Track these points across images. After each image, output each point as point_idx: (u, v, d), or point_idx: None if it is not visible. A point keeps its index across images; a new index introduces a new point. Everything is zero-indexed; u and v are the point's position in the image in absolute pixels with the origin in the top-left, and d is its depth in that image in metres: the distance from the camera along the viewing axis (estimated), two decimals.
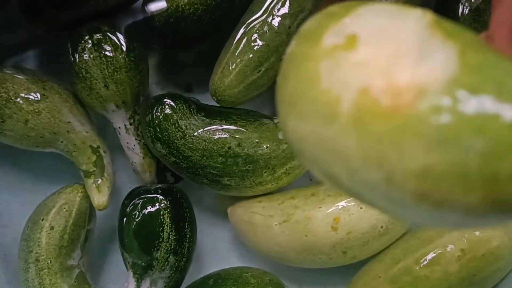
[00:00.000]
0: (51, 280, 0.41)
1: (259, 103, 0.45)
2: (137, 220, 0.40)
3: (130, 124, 0.43)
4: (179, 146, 0.41)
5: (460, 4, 0.44)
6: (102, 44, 0.42)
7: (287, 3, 0.41)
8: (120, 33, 0.43)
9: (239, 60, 0.41)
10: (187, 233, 0.41)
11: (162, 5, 0.42)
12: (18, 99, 0.41)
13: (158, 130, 0.41)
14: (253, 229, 0.43)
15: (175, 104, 0.41)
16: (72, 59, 0.42)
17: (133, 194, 0.42)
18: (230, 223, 0.45)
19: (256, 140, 0.41)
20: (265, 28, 0.41)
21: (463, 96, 0.14)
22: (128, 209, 0.41)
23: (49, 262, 0.41)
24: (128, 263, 0.40)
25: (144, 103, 0.43)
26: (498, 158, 0.13)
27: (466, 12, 0.43)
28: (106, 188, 0.41)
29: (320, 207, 0.40)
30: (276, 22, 0.41)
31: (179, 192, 0.42)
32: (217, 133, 0.41)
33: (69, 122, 0.42)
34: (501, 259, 0.39)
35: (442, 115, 0.14)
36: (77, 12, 0.43)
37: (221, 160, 0.41)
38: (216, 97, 0.43)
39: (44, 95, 0.42)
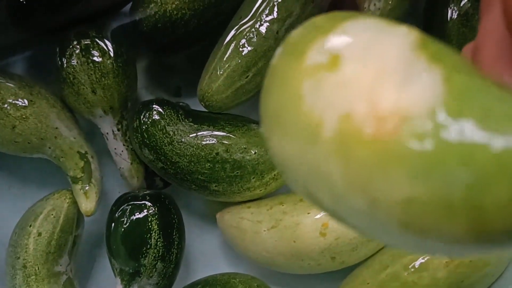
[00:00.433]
0: (38, 286, 0.40)
1: (247, 108, 0.45)
2: (125, 226, 0.40)
3: (118, 129, 0.43)
4: (167, 152, 0.41)
5: (448, 8, 0.44)
6: (90, 50, 0.41)
7: (275, 9, 0.41)
8: (108, 38, 0.43)
9: (227, 65, 0.41)
10: (175, 239, 0.41)
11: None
12: (5, 105, 0.41)
13: (146, 136, 0.41)
14: (242, 234, 0.42)
15: (162, 110, 0.41)
16: (60, 64, 0.42)
17: (121, 200, 0.41)
18: (219, 228, 0.45)
19: (244, 146, 0.41)
20: (253, 33, 0.41)
21: (447, 124, 0.13)
22: (116, 215, 0.40)
23: (36, 268, 0.41)
24: (116, 269, 0.40)
25: (132, 109, 0.43)
26: (483, 190, 0.13)
27: (455, 17, 0.43)
28: (93, 194, 0.41)
29: (308, 213, 0.40)
30: (264, 27, 0.41)
31: (167, 198, 0.42)
32: (205, 139, 0.41)
33: (56, 127, 0.42)
34: (488, 265, 0.39)
35: (426, 143, 0.13)
36: (65, 16, 0.43)
37: (209, 166, 0.41)
38: (204, 102, 0.42)
39: (31, 100, 0.41)
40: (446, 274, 0.38)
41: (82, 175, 0.42)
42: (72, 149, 0.42)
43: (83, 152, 0.43)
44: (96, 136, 0.46)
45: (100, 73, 0.41)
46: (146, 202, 0.40)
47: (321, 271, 0.42)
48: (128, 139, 0.43)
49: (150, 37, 0.43)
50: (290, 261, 0.41)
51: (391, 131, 0.14)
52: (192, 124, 0.41)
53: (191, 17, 0.42)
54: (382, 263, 0.40)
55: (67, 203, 0.41)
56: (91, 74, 0.41)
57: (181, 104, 0.44)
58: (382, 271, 0.40)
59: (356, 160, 0.14)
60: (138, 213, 0.40)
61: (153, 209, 0.40)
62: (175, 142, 0.41)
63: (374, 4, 0.43)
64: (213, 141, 0.41)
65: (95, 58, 0.41)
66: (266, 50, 0.41)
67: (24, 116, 0.41)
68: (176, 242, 0.41)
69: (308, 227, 0.40)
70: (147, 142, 0.41)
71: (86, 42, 0.42)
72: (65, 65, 0.41)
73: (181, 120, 0.41)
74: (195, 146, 0.41)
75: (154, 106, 0.41)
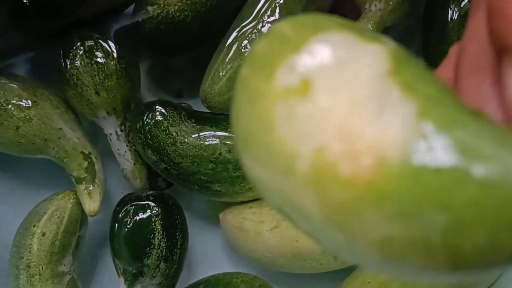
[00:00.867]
0: (42, 286, 0.41)
1: None
2: (128, 226, 0.40)
3: (121, 130, 0.44)
4: (170, 152, 0.41)
5: (449, 9, 0.44)
6: (94, 51, 0.42)
7: (277, 10, 0.42)
8: (111, 40, 0.43)
9: (229, 66, 0.42)
10: (178, 240, 0.41)
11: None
12: (9, 106, 0.41)
13: (149, 136, 0.41)
14: (244, 235, 0.43)
15: (165, 111, 0.41)
16: (63, 65, 0.42)
17: (125, 200, 0.42)
18: (221, 228, 0.45)
19: None
20: (255, 35, 0.41)
21: (423, 163, 0.13)
22: (119, 216, 0.41)
23: (40, 268, 0.41)
24: (119, 269, 0.41)
25: (135, 110, 0.44)
26: (461, 234, 0.13)
27: (455, 18, 0.44)
28: (97, 194, 0.42)
29: None
30: (266, 28, 0.41)
31: (170, 199, 0.42)
32: (207, 140, 0.41)
33: (60, 128, 0.42)
34: None
35: (402, 184, 0.13)
36: (68, 19, 0.43)
37: (212, 166, 0.41)
38: (206, 103, 0.43)
39: (35, 101, 0.42)
40: None
41: (86, 175, 0.42)
42: (76, 150, 0.43)
43: (87, 152, 0.43)
44: (99, 137, 0.46)
45: (103, 75, 0.42)
46: (150, 203, 0.41)
47: (323, 271, 0.42)
48: (131, 140, 0.44)
49: (153, 38, 0.44)
50: (292, 261, 0.42)
51: (366, 171, 0.13)
52: (194, 124, 0.42)
53: (193, 19, 0.43)
54: None
55: (71, 203, 0.42)
56: (95, 75, 0.41)
57: (183, 105, 0.44)
58: None
59: (332, 199, 0.14)
60: (141, 213, 0.40)
61: (157, 209, 0.40)
62: (178, 142, 0.41)
63: (375, 5, 0.44)
64: (216, 142, 0.41)
65: (98, 59, 0.42)
66: None
67: (28, 117, 0.41)
68: (179, 243, 0.41)
69: None
70: (150, 143, 0.41)
71: (89, 44, 0.42)
72: (68, 66, 0.42)
73: (184, 121, 0.42)
74: (198, 147, 0.41)
75: (157, 107, 0.42)
